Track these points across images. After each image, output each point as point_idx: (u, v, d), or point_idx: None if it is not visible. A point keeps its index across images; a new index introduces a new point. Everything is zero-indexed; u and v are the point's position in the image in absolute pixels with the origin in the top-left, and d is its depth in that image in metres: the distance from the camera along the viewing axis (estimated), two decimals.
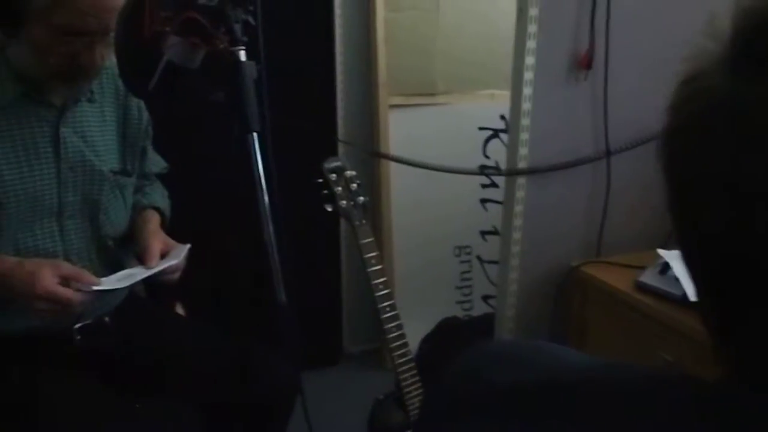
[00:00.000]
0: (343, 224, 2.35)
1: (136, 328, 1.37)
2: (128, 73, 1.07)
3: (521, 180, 1.54)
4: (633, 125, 1.58)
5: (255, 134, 1.02)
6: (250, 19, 1.00)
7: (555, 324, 1.63)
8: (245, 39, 0.99)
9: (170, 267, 1.23)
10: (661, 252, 1.43)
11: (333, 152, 2.22)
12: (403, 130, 2.31)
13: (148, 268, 1.23)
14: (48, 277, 1.10)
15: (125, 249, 1.36)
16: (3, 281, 1.12)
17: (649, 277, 1.42)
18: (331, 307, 2.45)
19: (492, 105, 2.42)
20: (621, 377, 0.44)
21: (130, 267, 1.27)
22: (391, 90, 2.27)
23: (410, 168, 1.98)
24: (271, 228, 1.05)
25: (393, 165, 2.31)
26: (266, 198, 1.05)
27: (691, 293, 1.29)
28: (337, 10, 2.21)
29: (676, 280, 1.36)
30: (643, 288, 1.41)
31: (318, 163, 1.54)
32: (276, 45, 1.03)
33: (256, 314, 1.68)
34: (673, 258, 1.39)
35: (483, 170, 2.03)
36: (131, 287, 1.33)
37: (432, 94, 2.34)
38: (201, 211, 1.79)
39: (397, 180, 2.34)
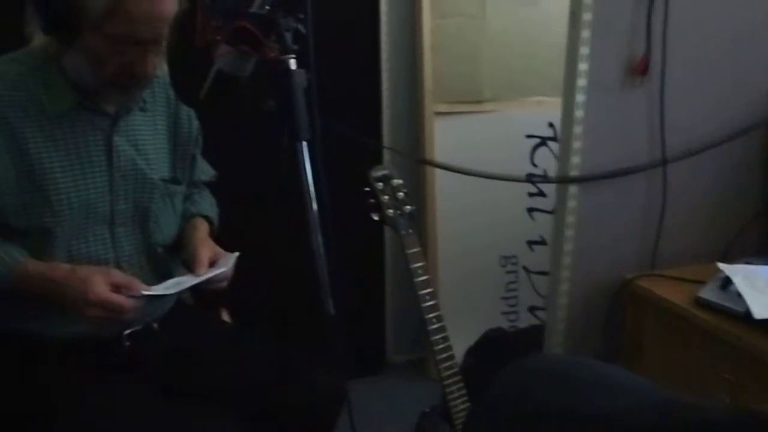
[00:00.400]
0: (387, 232, 2.33)
1: (183, 336, 1.38)
2: (179, 82, 1.07)
3: (573, 189, 1.49)
4: (690, 132, 1.53)
5: (304, 143, 1.01)
6: (300, 28, 1.00)
7: (607, 339, 1.57)
8: (295, 47, 0.99)
9: (218, 275, 1.23)
10: (722, 266, 1.37)
11: (377, 160, 2.22)
12: (448, 137, 2.29)
13: (197, 275, 1.23)
14: (100, 284, 1.11)
15: (174, 256, 1.37)
16: (57, 288, 1.14)
17: (709, 293, 1.36)
18: (375, 316, 2.44)
19: (540, 112, 2.38)
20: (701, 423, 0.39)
21: (179, 275, 1.28)
22: (436, 97, 2.25)
23: (456, 176, 1.95)
24: (319, 238, 1.04)
25: (438, 173, 2.28)
26: (315, 207, 1.03)
27: (756, 310, 1.23)
28: (383, 17, 2.20)
29: (738, 295, 1.30)
30: (702, 304, 1.35)
31: (362, 171, 1.53)
32: (321, 52, 1.01)
33: (302, 323, 1.67)
34: (735, 273, 1.33)
35: (532, 178, 1.98)
36: (179, 294, 1.34)
37: (478, 102, 2.30)
38: (249, 220, 1.80)
39: (443, 188, 2.31)
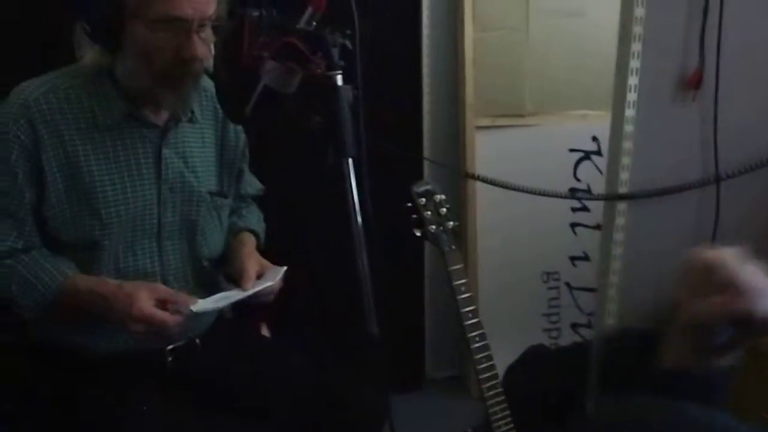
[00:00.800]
0: (427, 247, 2.31)
1: (225, 351, 1.37)
2: (225, 97, 1.07)
3: (622, 206, 1.45)
4: (745, 148, 1.48)
5: (350, 160, 1.00)
6: (347, 43, 0.99)
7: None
8: (342, 63, 0.98)
9: (265, 289, 1.23)
10: None
11: (417, 174, 2.20)
12: (490, 151, 2.26)
13: (244, 290, 1.22)
14: (145, 299, 1.12)
15: (219, 270, 1.37)
16: (104, 303, 1.15)
17: None
18: (414, 332, 2.41)
19: (584, 126, 2.33)
20: None
21: (225, 289, 1.28)
22: (478, 111, 2.22)
23: (497, 190, 1.92)
24: (364, 257, 1.02)
25: (480, 187, 2.25)
26: (360, 225, 1.02)
27: None
28: (425, 31, 2.19)
29: None
30: None
31: (399, 185, 1.51)
32: (361, 65, 1.00)
33: (343, 339, 1.66)
34: None
35: (577, 194, 1.93)
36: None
37: (521, 115, 2.27)
38: (293, 235, 1.79)
39: (484, 202, 2.28)
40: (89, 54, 1.14)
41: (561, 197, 1.82)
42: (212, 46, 1.13)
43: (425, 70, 2.21)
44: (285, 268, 1.26)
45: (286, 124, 1.05)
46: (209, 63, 1.13)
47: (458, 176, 2.18)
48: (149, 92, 1.17)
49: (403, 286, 2.32)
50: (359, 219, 1.02)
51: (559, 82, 2.27)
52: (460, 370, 2.47)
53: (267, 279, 1.25)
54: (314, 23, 0.99)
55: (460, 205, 2.28)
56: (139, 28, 1.09)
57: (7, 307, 1.21)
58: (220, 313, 1.40)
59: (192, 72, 1.16)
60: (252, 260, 1.28)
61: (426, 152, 2.26)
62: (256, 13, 1.02)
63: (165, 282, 1.28)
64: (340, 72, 0.98)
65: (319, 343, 1.91)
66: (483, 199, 2.28)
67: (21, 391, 1.27)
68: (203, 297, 1.34)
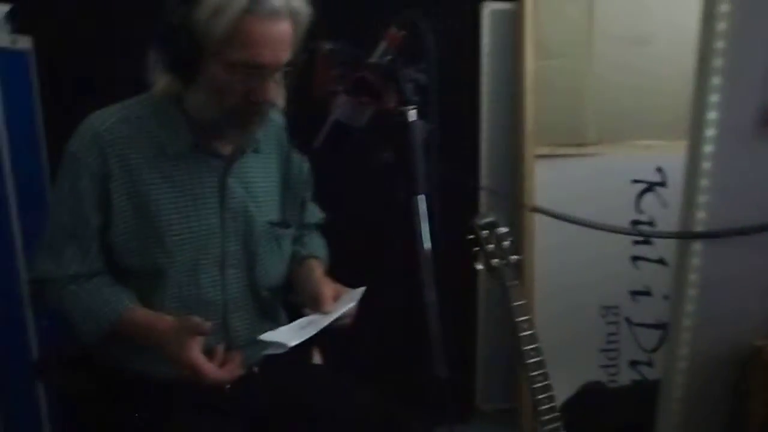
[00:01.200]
0: (481, 279, 2.26)
1: (283, 379, 1.35)
2: (295, 130, 1.06)
3: (697, 246, 1.38)
4: None
5: (422, 196, 0.97)
6: (421, 78, 0.96)
7: (732, 410, 1.43)
8: (416, 98, 0.95)
9: (347, 311, 1.20)
10: None
11: (473, 203, 2.16)
12: (549, 181, 2.20)
13: (326, 312, 1.19)
14: (195, 349, 1.11)
15: (279, 299, 1.36)
16: (159, 340, 1.15)
17: None
18: (466, 363, 2.35)
19: (647, 156, 2.26)
20: None
21: (280, 317, 1.25)
22: (538, 139, 2.17)
23: (555, 221, 1.86)
24: (433, 296, 0.99)
25: (537, 217, 2.20)
26: (430, 264, 0.98)
27: None
28: (484, 59, 2.16)
29: None
30: None
31: (457, 215, 1.47)
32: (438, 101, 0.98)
33: (402, 370, 1.62)
34: None
35: (641, 230, 1.85)
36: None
37: (582, 144, 2.21)
38: (357, 266, 1.76)
39: (541, 233, 2.21)
40: (160, 82, 1.14)
41: (626, 233, 1.74)
42: (281, 87, 1.11)
43: (484, 97, 2.18)
44: (364, 288, 1.23)
45: (355, 157, 1.02)
46: (278, 103, 1.12)
47: (517, 207, 2.13)
48: (216, 126, 1.17)
49: (456, 317, 2.27)
50: (429, 257, 0.98)
51: (623, 110, 2.21)
52: (511, 403, 2.40)
53: (347, 301, 1.22)
54: (388, 57, 0.97)
55: (516, 236, 2.22)
56: (216, 67, 1.09)
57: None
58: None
59: (260, 113, 1.16)
60: (326, 284, 1.26)
61: (483, 181, 2.23)
62: (328, 47, 1.00)
63: (225, 310, 1.27)
64: (414, 107, 0.95)
65: (377, 374, 1.87)
66: (539, 229, 2.23)
67: (84, 412, 1.28)
68: (261, 325, 1.32)
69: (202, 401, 1.24)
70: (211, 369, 1.11)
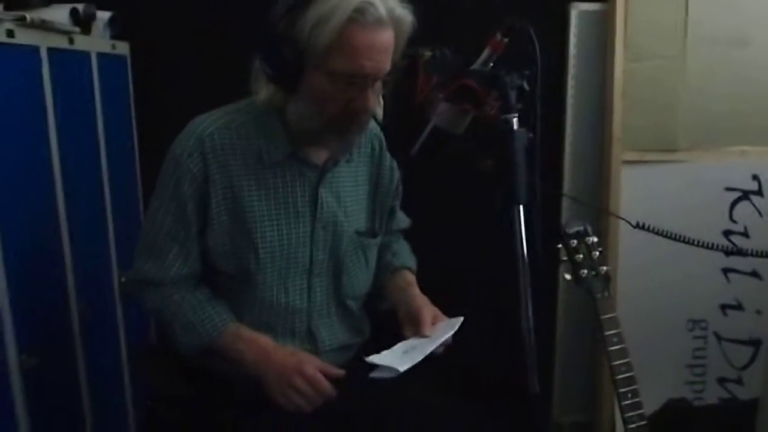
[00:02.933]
0: (562, 288, 2.20)
1: (372, 389, 1.35)
2: (393, 135, 1.05)
3: None
4: None
5: (521, 206, 0.95)
6: (525, 85, 0.94)
7: None
8: (519, 106, 0.93)
9: (444, 341, 1.19)
10: None
11: (555, 210, 2.10)
12: (637, 188, 2.12)
13: (426, 336, 1.18)
14: (315, 363, 1.14)
15: (363, 308, 1.36)
16: (263, 356, 1.17)
17: None
18: (543, 374, 2.30)
19: (742, 163, 2.15)
20: None
21: (360, 327, 1.24)
22: (625, 145, 2.09)
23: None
24: (530, 311, 0.96)
25: (622, 225, 2.12)
26: (527, 277, 0.96)
27: None
28: (571, 60, 2.10)
29: None
30: None
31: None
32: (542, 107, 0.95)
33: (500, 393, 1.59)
34: None
35: (743, 250, 1.72)
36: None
37: (672, 150, 2.12)
38: (449, 277, 1.76)
39: (627, 241, 2.14)
40: (263, 91, 1.16)
41: (726, 252, 1.65)
42: (380, 96, 1.11)
43: (569, 100, 2.13)
44: (462, 318, 1.22)
45: (452, 164, 1.01)
46: (377, 112, 1.12)
47: (602, 215, 2.06)
48: (316, 135, 1.18)
49: (535, 326, 2.22)
50: (527, 270, 0.96)
51: (717, 115, 2.10)
52: (589, 416, 2.33)
53: (445, 328, 1.20)
54: (491, 65, 0.95)
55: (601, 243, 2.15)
56: (318, 78, 1.09)
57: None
58: (363, 345, 1.38)
59: (360, 122, 1.16)
60: (426, 306, 1.25)
61: (566, 187, 2.17)
62: (428, 54, 0.99)
63: (310, 317, 1.29)
64: (517, 115, 0.93)
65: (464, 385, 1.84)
66: (625, 237, 2.15)
67: (176, 412, 1.31)
68: (345, 333, 1.33)
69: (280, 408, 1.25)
70: (328, 386, 1.14)
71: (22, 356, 1.29)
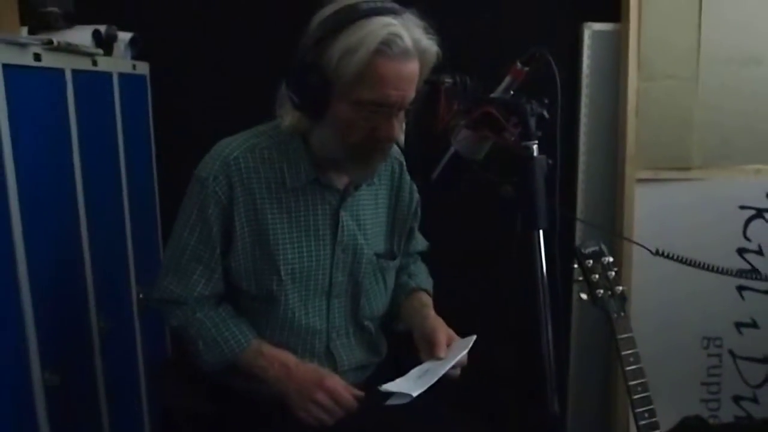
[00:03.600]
0: (573, 308, 2.20)
1: (381, 407, 1.36)
2: (414, 160, 1.07)
3: None
4: None
5: (540, 231, 0.96)
6: (544, 113, 0.95)
7: None
8: (539, 133, 0.95)
9: (459, 361, 1.20)
10: None
11: (569, 229, 2.11)
12: (650, 206, 2.13)
13: (439, 359, 1.20)
14: (336, 379, 1.17)
15: (379, 331, 1.37)
16: (285, 371, 1.19)
17: None
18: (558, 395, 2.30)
19: (756, 181, 2.15)
20: None
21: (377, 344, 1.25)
22: (639, 163, 2.10)
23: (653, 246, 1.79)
24: (549, 334, 0.97)
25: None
26: (547, 301, 0.97)
27: None
28: (585, 80, 2.12)
29: None
30: None
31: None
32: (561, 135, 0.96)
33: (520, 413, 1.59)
34: None
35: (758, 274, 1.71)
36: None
37: (686, 168, 2.13)
38: (466, 299, 1.76)
39: (639, 258, 2.14)
40: (288, 117, 1.18)
41: (738, 276, 1.66)
42: (403, 123, 1.13)
43: (583, 119, 2.14)
44: (474, 337, 1.23)
45: (471, 189, 1.02)
46: (399, 139, 1.14)
47: (617, 239, 2.06)
48: (339, 162, 1.20)
49: (530, 342, 2.22)
50: (546, 296, 0.97)
51: (731, 133, 2.11)
52: None
53: (459, 348, 1.21)
54: (512, 92, 0.97)
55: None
56: (344, 107, 1.11)
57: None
58: (380, 365, 1.39)
59: (383, 149, 1.18)
60: (441, 328, 1.26)
61: (579, 204, 2.18)
62: (449, 80, 1.01)
63: (329, 338, 1.30)
64: (537, 142, 0.95)
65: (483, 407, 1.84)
66: (640, 252, 2.15)
67: (194, 427, 1.33)
68: (363, 353, 1.34)
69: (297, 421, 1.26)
70: (351, 400, 1.16)
71: (45, 374, 1.31)
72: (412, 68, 1.09)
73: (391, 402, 1.13)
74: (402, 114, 1.12)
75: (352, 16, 1.06)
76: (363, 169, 1.21)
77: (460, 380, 1.24)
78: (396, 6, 1.11)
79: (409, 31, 1.08)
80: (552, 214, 0.96)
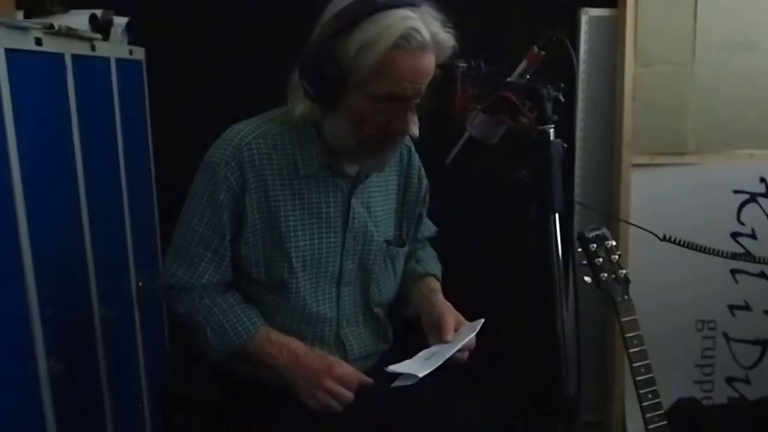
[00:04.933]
0: (571, 291, 2.21)
1: (390, 392, 1.36)
2: (428, 145, 1.07)
3: None
4: None
5: (556, 215, 0.97)
6: (560, 97, 0.96)
7: None
8: (556, 117, 0.95)
9: (467, 343, 1.20)
10: None
11: (567, 213, 2.12)
12: (646, 190, 2.15)
13: (447, 341, 1.20)
14: (345, 366, 1.17)
15: (389, 316, 1.37)
16: (293, 359, 1.19)
17: None
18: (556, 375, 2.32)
19: (750, 166, 2.19)
20: None
21: (383, 332, 1.25)
22: (635, 148, 2.12)
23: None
24: (565, 315, 0.98)
25: (632, 228, 2.15)
26: (563, 284, 0.98)
27: None
28: (582, 66, 2.13)
29: None
30: None
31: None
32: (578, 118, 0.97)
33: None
34: None
35: (748, 257, 1.75)
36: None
37: (681, 153, 2.15)
38: (480, 283, 1.76)
39: (636, 242, 2.16)
40: (300, 105, 1.16)
41: (736, 258, 1.68)
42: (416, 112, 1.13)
43: (579, 104, 2.15)
44: (482, 321, 1.23)
45: (486, 173, 1.03)
46: (413, 131, 1.14)
47: (615, 222, 2.08)
48: (351, 152, 1.19)
49: (544, 325, 2.24)
50: (561, 279, 0.97)
51: (725, 119, 2.14)
52: (601, 416, 2.35)
53: (466, 332, 1.21)
54: (528, 76, 0.97)
55: None
56: (358, 99, 1.10)
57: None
58: (386, 352, 1.39)
59: (396, 141, 1.18)
60: (449, 312, 1.27)
61: (577, 189, 2.19)
62: (465, 65, 1.01)
63: (339, 325, 1.30)
64: (553, 126, 0.95)
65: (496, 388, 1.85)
66: (636, 236, 2.18)
67: (199, 414, 1.32)
68: (372, 340, 1.34)
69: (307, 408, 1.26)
70: (350, 395, 1.16)
71: (51, 362, 1.30)
72: (429, 62, 1.08)
73: (397, 383, 1.14)
74: (415, 106, 1.12)
75: (370, 8, 1.05)
76: (376, 159, 1.20)
77: (471, 364, 1.25)
78: None
79: (427, 25, 1.07)
80: (568, 197, 0.96)
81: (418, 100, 1.11)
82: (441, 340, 1.22)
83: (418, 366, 1.15)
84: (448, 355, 1.16)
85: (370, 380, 1.20)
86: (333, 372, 1.15)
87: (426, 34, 1.06)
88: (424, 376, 1.11)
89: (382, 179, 1.31)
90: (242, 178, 1.18)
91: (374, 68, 1.06)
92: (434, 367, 1.14)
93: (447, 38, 1.09)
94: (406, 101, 1.10)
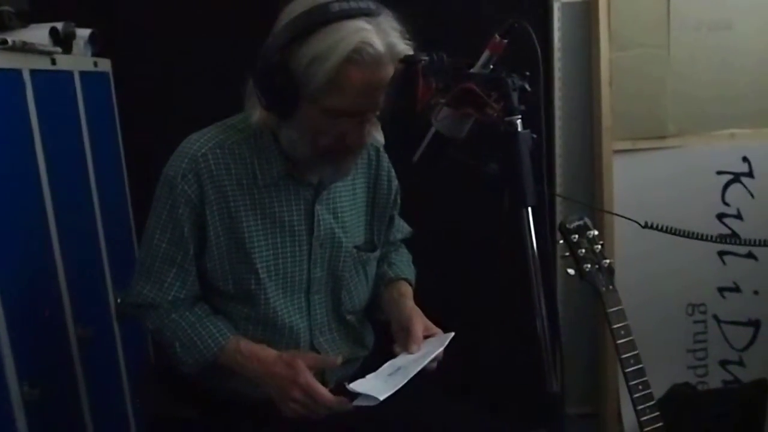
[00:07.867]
0: (559, 282, 2.20)
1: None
2: (394, 143, 1.04)
3: None
4: None
5: (529, 209, 0.93)
6: (526, 86, 0.93)
7: None
8: (523, 107, 0.92)
9: (434, 356, 1.16)
10: None
11: (548, 202, 2.10)
12: (628, 176, 2.13)
13: (412, 353, 1.16)
14: (307, 370, 1.11)
15: (364, 322, 1.34)
16: (264, 369, 1.15)
17: None
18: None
19: (732, 146, 2.17)
20: None
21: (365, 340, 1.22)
22: (615, 134, 2.10)
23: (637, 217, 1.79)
24: (543, 311, 0.95)
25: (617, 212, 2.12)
26: (539, 279, 0.95)
27: None
28: (557, 53, 2.10)
29: None
30: None
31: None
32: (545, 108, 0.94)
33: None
34: None
35: (736, 240, 1.72)
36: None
37: (662, 137, 2.13)
38: (454, 281, 1.73)
39: (623, 229, 2.14)
40: (257, 113, 1.13)
41: (725, 242, 1.65)
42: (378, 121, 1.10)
43: (557, 93, 2.12)
44: (452, 334, 1.20)
45: (454, 169, 1.00)
46: (377, 139, 1.10)
47: (598, 211, 2.06)
48: (308, 162, 1.16)
49: (524, 323, 2.22)
50: (538, 274, 0.94)
51: (704, 100, 2.12)
52: (596, 408, 2.33)
53: (435, 344, 1.18)
54: (491, 66, 0.94)
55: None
56: (313, 111, 1.06)
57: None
58: (367, 357, 1.36)
59: (353, 153, 1.15)
60: (419, 320, 1.23)
61: (558, 177, 2.17)
62: (426, 58, 0.97)
63: (311, 335, 1.27)
64: (520, 117, 0.92)
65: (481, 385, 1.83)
66: (621, 224, 2.15)
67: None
68: (348, 347, 1.30)
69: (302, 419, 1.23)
70: (326, 392, 1.10)
71: (24, 388, 1.26)
72: (385, 75, 1.04)
73: (357, 403, 1.08)
74: (374, 116, 1.08)
75: (323, 18, 1.01)
76: (333, 170, 1.17)
77: (452, 365, 1.22)
78: (371, 6, 1.05)
79: (383, 36, 1.03)
80: (540, 190, 0.93)
81: (378, 113, 1.08)
82: (407, 350, 1.18)
83: (380, 384, 1.10)
84: (412, 374, 1.11)
85: (336, 360, 1.16)
86: (298, 381, 1.10)
87: (380, 47, 1.02)
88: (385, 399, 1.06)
89: (349, 183, 1.28)
90: (200, 191, 1.15)
91: (326, 82, 1.02)
92: (397, 388, 1.09)
93: (405, 49, 1.05)
94: (362, 115, 1.07)
